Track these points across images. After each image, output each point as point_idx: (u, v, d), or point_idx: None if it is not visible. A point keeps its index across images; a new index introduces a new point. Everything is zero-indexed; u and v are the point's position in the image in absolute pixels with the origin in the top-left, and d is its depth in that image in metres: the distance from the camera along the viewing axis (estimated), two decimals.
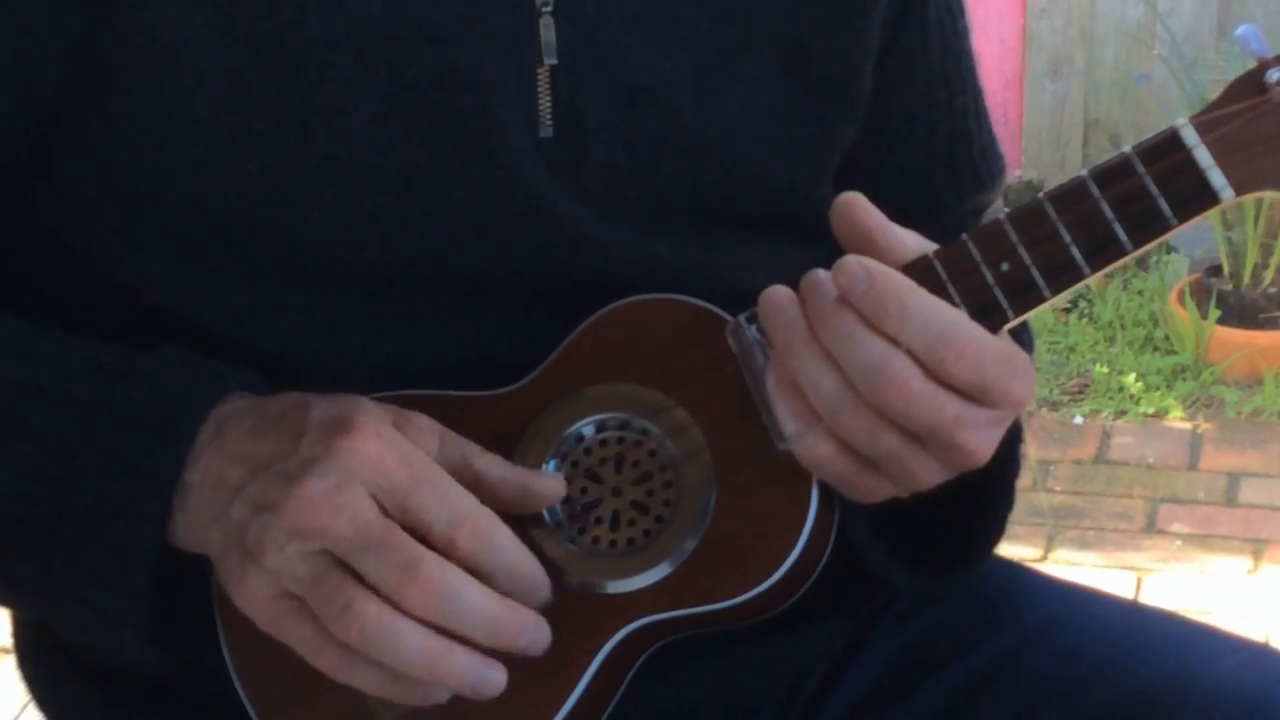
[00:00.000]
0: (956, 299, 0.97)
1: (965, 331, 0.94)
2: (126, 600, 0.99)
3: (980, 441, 0.96)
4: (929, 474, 0.98)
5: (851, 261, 0.94)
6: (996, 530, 1.15)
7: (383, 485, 0.94)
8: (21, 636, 1.19)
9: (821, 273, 0.96)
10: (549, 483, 1.02)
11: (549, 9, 1.04)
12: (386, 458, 0.94)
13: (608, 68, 1.06)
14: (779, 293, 0.97)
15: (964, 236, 0.98)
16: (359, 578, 0.92)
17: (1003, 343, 0.96)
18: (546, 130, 1.05)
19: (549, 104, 1.05)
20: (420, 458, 0.95)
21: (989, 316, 0.97)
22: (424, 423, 0.99)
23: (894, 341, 0.94)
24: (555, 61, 1.04)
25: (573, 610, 1.02)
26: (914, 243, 0.98)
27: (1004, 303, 0.97)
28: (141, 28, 0.99)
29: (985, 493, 1.10)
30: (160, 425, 0.98)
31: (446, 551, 0.93)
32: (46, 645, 1.16)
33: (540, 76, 1.04)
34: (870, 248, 0.97)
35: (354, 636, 0.92)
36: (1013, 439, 1.06)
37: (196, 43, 0.99)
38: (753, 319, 1.00)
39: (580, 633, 1.02)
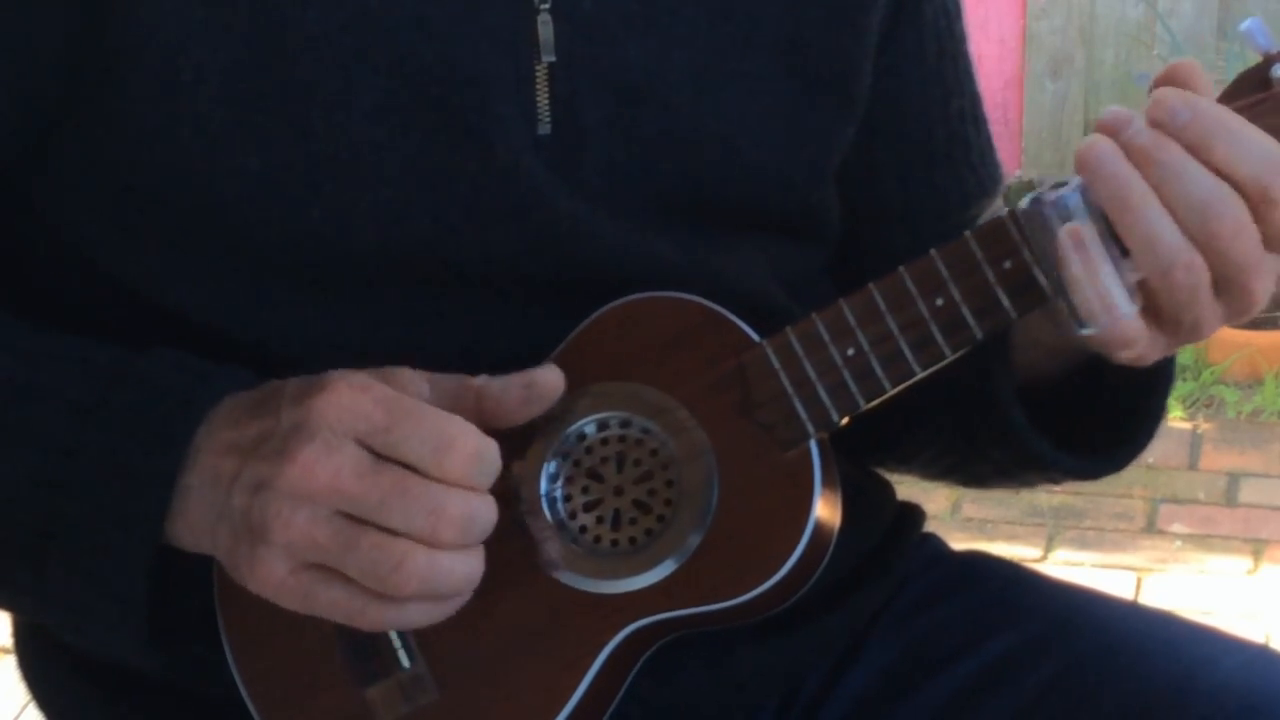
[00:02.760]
0: (957, 294, 0.97)
1: None
2: (122, 603, 0.98)
3: (1264, 290, 0.95)
4: (1215, 324, 0.97)
5: (1169, 94, 0.92)
6: (1159, 405, 1.12)
7: (364, 429, 0.93)
8: (21, 636, 1.19)
9: (1126, 112, 0.93)
10: (548, 374, 1.01)
11: (546, 6, 1.04)
12: (361, 402, 0.93)
13: (606, 66, 1.06)
14: (1100, 145, 0.94)
15: (967, 234, 0.98)
16: (383, 530, 0.92)
17: None
18: (545, 128, 1.05)
19: (547, 101, 1.05)
20: (396, 396, 0.95)
21: (992, 313, 0.98)
22: (407, 370, 0.98)
23: (1220, 173, 0.92)
24: (553, 59, 1.04)
25: (574, 609, 1.02)
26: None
27: (1005, 302, 0.98)
28: (139, 25, 0.99)
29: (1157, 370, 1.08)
30: (156, 428, 0.98)
31: (440, 478, 0.93)
32: (46, 645, 1.16)
33: (538, 74, 1.04)
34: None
35: (413, 587, 0.92)
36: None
37: (194, 39, 0.99)
38: (1035, 202, 0.96)
39: (582, 632, 1.02)
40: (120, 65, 0.99)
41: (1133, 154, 0.93)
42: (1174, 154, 0.92)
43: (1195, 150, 0.92)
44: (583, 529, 1.04)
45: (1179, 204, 0.92)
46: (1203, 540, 3.31)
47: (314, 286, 1.04)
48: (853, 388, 1.02)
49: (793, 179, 1.12)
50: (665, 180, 1.08)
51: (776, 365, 1.02)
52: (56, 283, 1.08)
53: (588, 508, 1.05)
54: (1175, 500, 3.45)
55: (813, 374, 1.02)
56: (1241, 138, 0.92)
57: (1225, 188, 0.92)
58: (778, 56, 1.10)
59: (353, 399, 0.94)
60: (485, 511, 0.94)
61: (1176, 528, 3.36)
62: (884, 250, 1.09)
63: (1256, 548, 3.28)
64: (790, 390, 1.02)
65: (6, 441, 0.99)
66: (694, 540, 1.02)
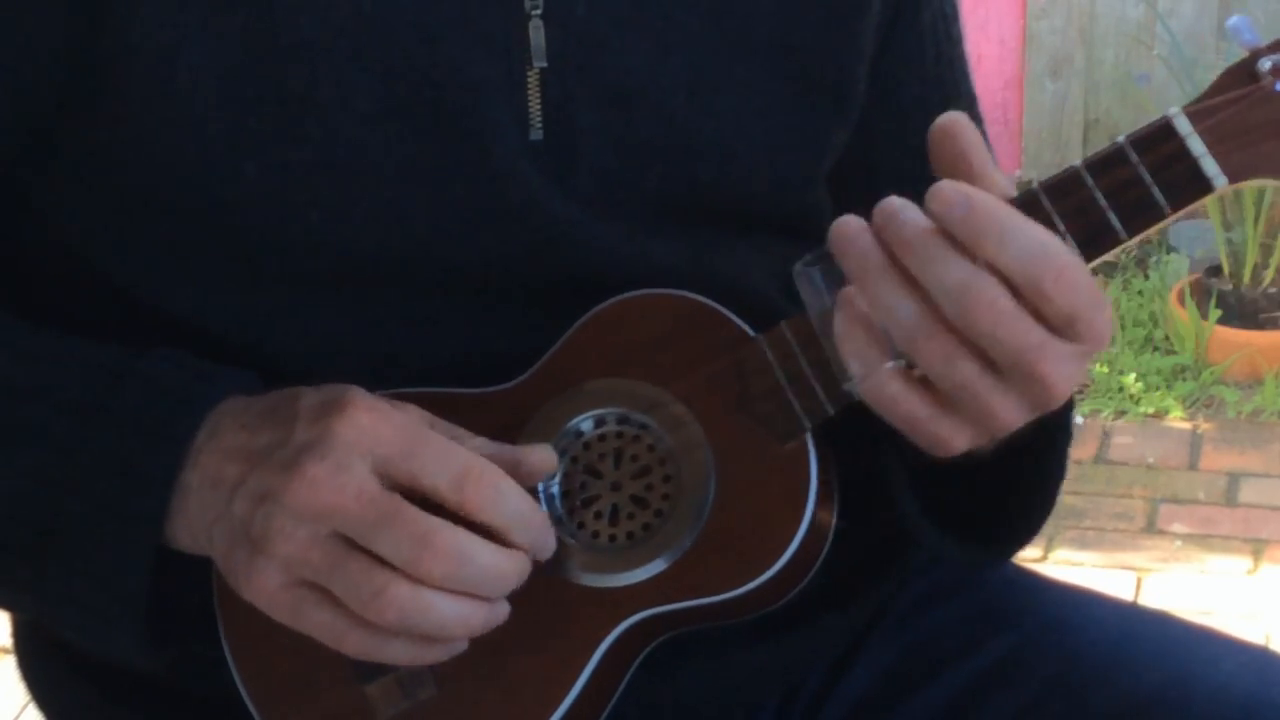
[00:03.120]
0: None
1: (1063, 256, 0.92)
2: (122, 602, 0.99)
3: (1062, 376, 0.94)
4: (1008, 412, 0.95)
5: (948, 187, 0.92)
6: (1049, 499, 1.13)
7: (381, 455, 0.94)
8: (21, 636, 1.19)
9: (896, 200, 0.94)
10: (540, 455, 1.01)
11: (538, 12, 1.04)
12: (381, 427, 0.94)
13: (598, 71, 1.06)
14: (851, 223, 0.95)
15: None
16: (374, 557, 0.93)
17: (1092, 276, 0.95)
18: (537, 133, 1.05)
19: (539, 107, 1.05)
20: (414, 423, 0.96)
21: None
22: (414, 411, 0.99)
23: (987, 266, 0.92)
24: (545, 64, 1.04)
25: (572, 605, 1.02)
26: (1003, 182, 0.97)
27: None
28: (136, 28, 0.99)
29: (1039, 458, 1.09)
30: (157, 427, 0.98)
31: (458, 508, 0.94)
32: (46, 645, 1.16)
33: (530, 79, 1.04)
34: (968, 175, 0.95)
35: (391, 618, 0.93)
36: (1066, 405, 1.05)
37: (190, 42, 0.99)
38: (813, 261, 0.98)
39: (580, 627, 1.02)
40: (117, 68, 0.99)
41: (893, 241, 0.93)
42: (931, 243, 0.92)
43: (966, 241, 0.92)
44: (580, 525, 1.05)
45: (934, 287, 0.92)
46: (1203, 540, 3.31)
47: (311, 289, 1.04)
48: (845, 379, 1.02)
49: (787, 182, 1.12)
50: (659, 184, 1.08)
51: (772, 359, 1.03)
52: (55, 285, 1.08)
53: (585, 503, 1.05)
54: (1175, 500, 3.45)
55: (807, 368, 1.02)
56: (1011, 232, 0.92)
57: (982, 276, 0.91)
58: (771, 60, 1.10)
59: (372, 423, 0.94)
60: (484, 556, 0.94)
61: (1176, 528, 3.36)
62: None
63: (1256, 548, 3.28)
64: (785, 384, 1.02)
65: (6, 440, 0.99)
66: (691, 534, 1.03)
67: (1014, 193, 0.97)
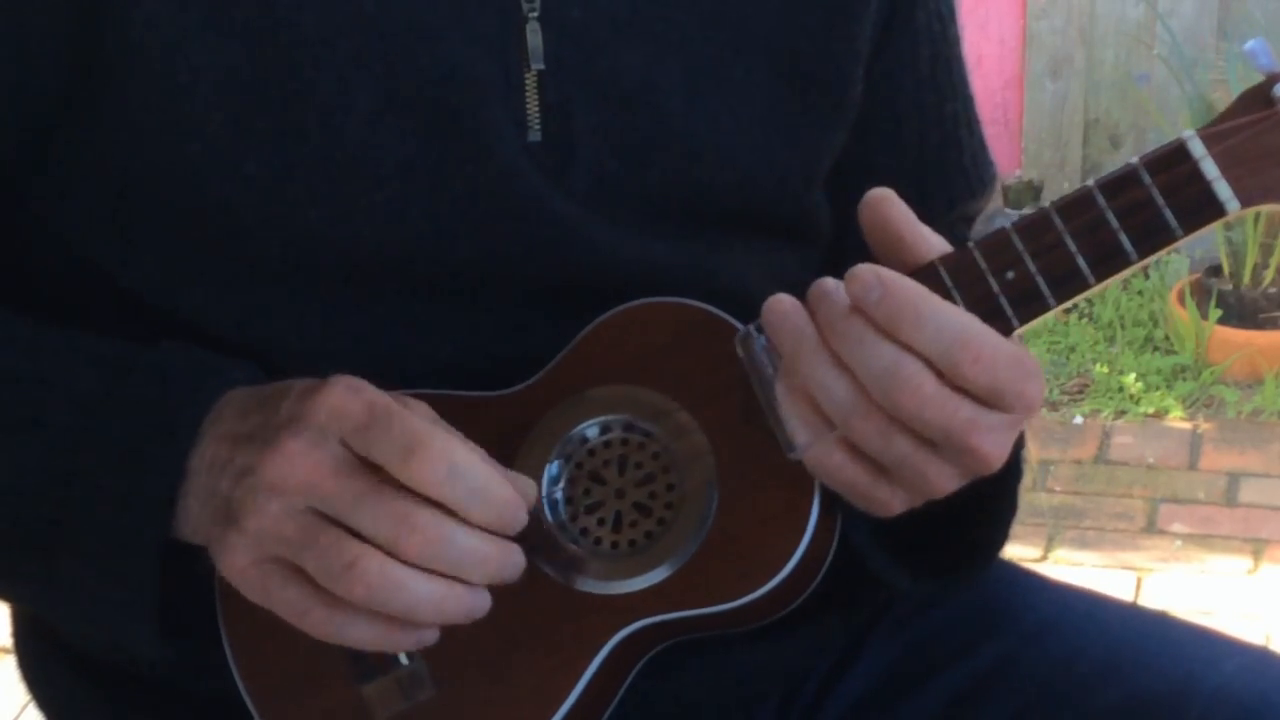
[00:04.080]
0: (961, 306, 0.97)
1: (980, 336, 0.94)
2: (133, 592, 0.98)
3: (994, 445, 0.96)
4: (943, 480, 0.97)
5: (864, 270, 0.94)
6: (1000, 535, 1.14)
7: (347, 428, 0.93)
8: (21, 636, 1.19)
9: (830, 281, 0.95)
10: (522, 483, 0.98)
11: (535, 14, 1.04)
12: (350, 403, 0.93)
13: (596, 73, 1.06)
14: (783, 301, 0.97)
15: (970, 244, 0.98)
16: (349, 531, 0.92)
17: (1015, 346, 0.96)
18: (535, 135, 1.05)
19: (537, 108, 1.05)
20: (383, 399, 0.94)
21: (994, 324, 0.97)
22: (421, 409, 0.98)
23: (907, 348, 0.93)
24: (542, 66, 1.04)
25: (573, 610, 1.02)
26: (938, 243, 0.98)
27: (1008, 310, 0.97)
28: (137, 26, 0.99)
29: (989, 498, 1.10)
30: (164, 417, 0.98)
31: (407, 482, 0.92)
32: (46, 645, 1.16)
33: (528, 81, 1.04)
34: (897, 244, 0.97)
35: (359, 593, 0.91)
36: (1016, 444, 1.07)
37: (191, 41, 0.99)
38: (758, 329, 0.99)
39: (580, 633, 1.02)
40: (118, 67, 1.00)
41: (822, 323, 0.95)
42: (855, 327, 0.94)
43: (884, 325, 0.93)
44: (583, 531, 1.04)
45: (861, 371, 0.94)
46: (1203, 540, 3.31)
47: (311, 289, 1.04)
48: None
49: (784, 184, 1.12)
50: (657, 186, 1.08)
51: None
52: (56, 283, 1.08)
53: (589, 510, 1.05)
54: (1175, 500, 3.45)
55: None
56: (926, 315, 0.93)
57: (906, 359, 0.93)
58: (769, 62, 1.10)
59: (343, 398, 0.94)
60: (462, 538, 0.93)
61: (1176, 528, 3.36)
62: None
63: (1256, 548, 3.28)
64: None
65: (14, 432, 0.99)
66: (694, 543, 1.03)
67: (949, 249, 0.98)
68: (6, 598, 1.10)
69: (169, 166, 1.01)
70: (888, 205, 0.97)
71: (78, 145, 1.03)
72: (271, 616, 0.97)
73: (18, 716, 2.71)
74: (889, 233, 0.97)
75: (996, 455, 0.96)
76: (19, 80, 1.01)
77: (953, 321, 0.94)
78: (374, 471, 0.93)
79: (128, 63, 0.99)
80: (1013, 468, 1.09)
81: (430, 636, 0.96)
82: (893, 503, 0.99)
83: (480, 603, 0.95)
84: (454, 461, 0.93)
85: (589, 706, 1.03)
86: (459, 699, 1.02)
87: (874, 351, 0.93)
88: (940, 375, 0.93)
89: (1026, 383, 0.95)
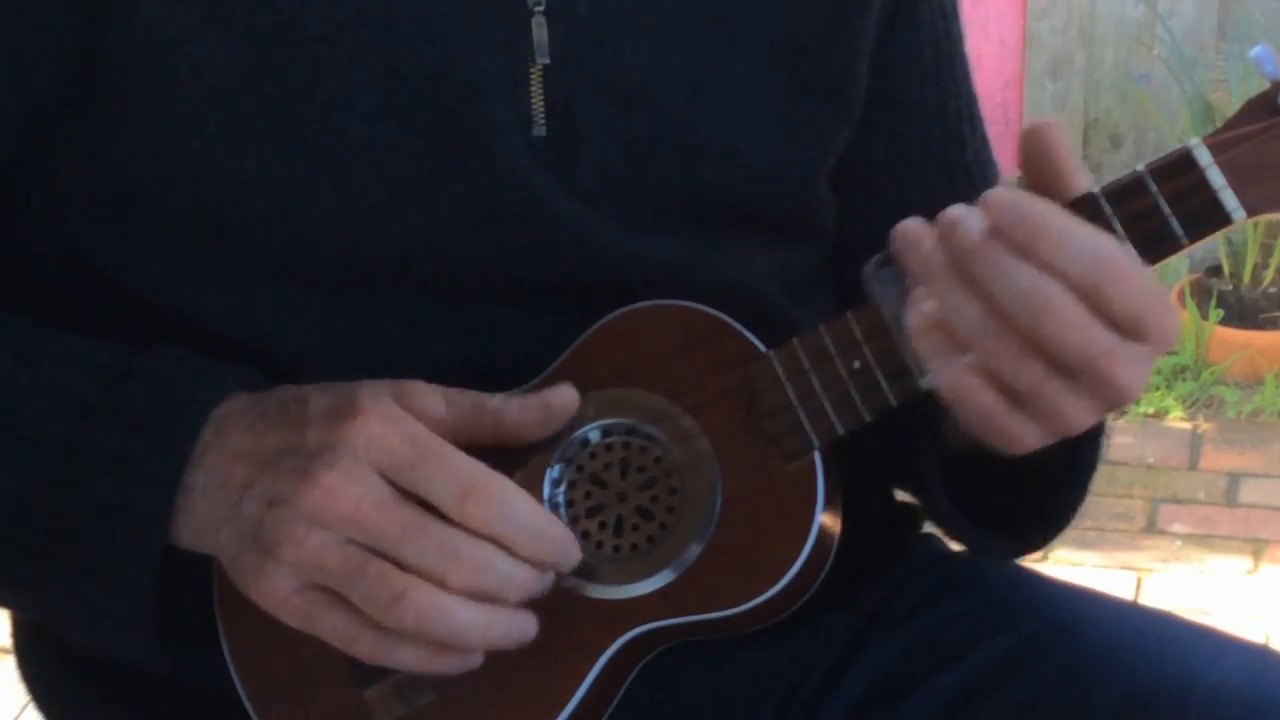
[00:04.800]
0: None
1: (1121, 259, 0.93)
2: (128, 601, 0.98)
3: (1132, 377, 0.94)
4: (1078, 412, 0.95)
5: (999, 193, 0.93)
6: (1081, 492, 1.13)
7: (388, 464, 0.94)
8: (21, 636, 1.19)
9: (961, 208, 0.94)
10: (563, 394, 1.02)
11: (541, 9, 1.04)
12: (390, 436, 0.94)
13: (601, 68, 1.06)
14: (914, 227, 0.95)
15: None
16: (391, 561, 0.93)
17: (1153, 277, 0.95)
18: (540, 129, 1.05)
19: (542, 103, 1.05)
20: (424, 433, 0.96)
21: None
22: (424, 388, 0.99)
23: (1047, 269, 0.92)
24: (548, 61, 1.04)
25: (574, 614, 1.02)
26: (1088, 181, 0.97)
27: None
28: (138, 23, 0.99)
29: (1075, 453, 1.09)
30: (161, 425, 0.98)
31: (461, 523, 0.94)
32: (46, 645, 1.16)
33: (533, 76, 1.04)
34: (1055, 176, 0.96)
35: (410, 622, 0.93)
36: None
37: (192, 38, 0.99)
38: (883, 261, 0.98)
39: (581, 637, 1.02)
40: (118, 65, 1.00)
41: (957, 249, 0.93)
42: (993, 251, 0.92)
43: (1021, 249, 0.92)
44: (585, 534, 1.04)
45: (1000, 294, 0.93)
46: (1203, 540, 3.31)
47: (313, 288, 1.04)
48: (857, 401, 1.01)
49: (788, 180, 1.12)
50: (661, 182, 1.08)
51: (782, 376, 1.02)
52: (56, 283, 1.08)
53: (590, 513, 1.05)
54: (1175, 500, 3.45)
55: (818, 386, 1.02)
56: (1065, 237, 0.92)
57: (1046, 281, 0.92)
58: (774, 59, 1.10)
59: (382, 431, 0.94)
60: (504, 566, 0.95)
61: (1176, 528, 3.36)
62: (880, 249, 1.09)
63: (1256, 548, 3.28)
64: (795, 402, 1.02)
65: (10, 440, 0.99)
66: (696, 548, 1.03)
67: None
68: (4, 604, 1.10)
69: (169, 164, 1.01)
70: (1051, 133, 0.97)
71: (78, 144, 1.03)
72: (270, 618, 0.97)
73: (18, 716, 2.71)
74: (1048, 162, 0.97)
75: (1135, 387, 0.94)
76: (19, 79, 1.01)
77: (1093, 242, 0.92)
78: (412, 503, 0.94)
79: (128, 61, 0.99)
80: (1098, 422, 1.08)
81: (476, 660, 0.98)
82: (1026, 437, 0.96)
83: (527, 625, 0.97)
84: (505, 499, 0.95)
85: (589, 710, 1.03)
86: (460, 704, 1.02)
87: (1014, 274, 0.92)
88: (1082, 299, 0.92)
89: (1165, 313, 0.93)
